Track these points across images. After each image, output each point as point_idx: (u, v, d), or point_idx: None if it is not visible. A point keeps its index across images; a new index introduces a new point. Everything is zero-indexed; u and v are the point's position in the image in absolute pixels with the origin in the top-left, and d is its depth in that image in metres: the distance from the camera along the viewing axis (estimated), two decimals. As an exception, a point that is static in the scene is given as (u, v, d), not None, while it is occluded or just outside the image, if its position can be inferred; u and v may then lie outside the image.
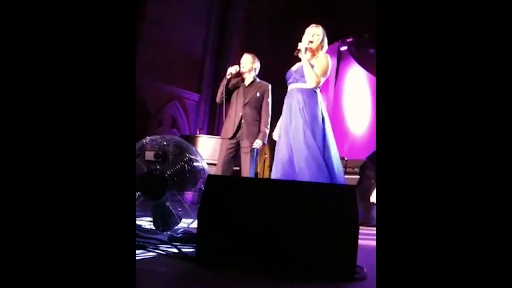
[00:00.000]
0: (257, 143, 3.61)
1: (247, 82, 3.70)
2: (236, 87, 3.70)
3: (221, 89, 3.67)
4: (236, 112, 3.62)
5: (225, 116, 3.71)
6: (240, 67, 3.68)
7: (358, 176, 5.17)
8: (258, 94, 3.65)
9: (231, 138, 3.60)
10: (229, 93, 3.67)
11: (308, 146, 2.83)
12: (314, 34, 3.08)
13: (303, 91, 2.97)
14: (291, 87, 3.06)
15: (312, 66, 3.00)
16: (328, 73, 3.07)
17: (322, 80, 3.02)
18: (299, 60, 3.05)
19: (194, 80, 7.87)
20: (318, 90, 3.02)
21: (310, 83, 2.96)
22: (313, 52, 3.10)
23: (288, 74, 3.11)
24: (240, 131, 3.60)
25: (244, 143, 3.59)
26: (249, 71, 3.68)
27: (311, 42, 3.05)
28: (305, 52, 3.01)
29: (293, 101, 2.98)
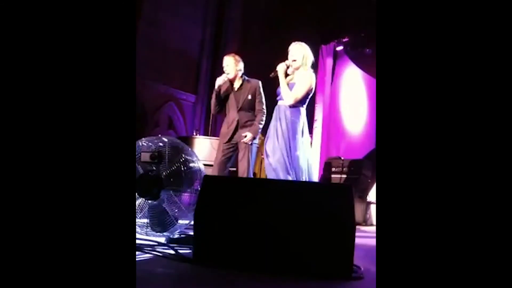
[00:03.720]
0: (247, 135, 3.55)
1: (236, 86, 3.68)
2: (227, 93, 3.68)
3: (213, 101, 3.69)
4: (231, 117, 3.64)
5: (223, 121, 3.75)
6: (226, 74, 3.61)
7: (348, 176, 5.20)
8: (249, 97, 3.64)
9: (228, 142, 3.61)
10: (222, 100, 3.67)
11: (278, 160, 3.06)
12: (294, 53, 3.17)
13: (286, 108, 3.13)
14: (278, 103, 3.21)
15: (289, 83, 3.15)
16: (311, 90, 3.19)
17: (302, 97, 3.12)
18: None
19: (191, 81, 7.85)
20: (302, 108, 3.16)
21: (287, 101, 3.12)
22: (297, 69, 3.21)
23: (278, 90, 3.23)
24: (236, 134, 3.60)
25: (241, 144, 3.60)
26: (236, 75, 3.64)
27: (294, 60, 3.17)
28: (284, 72, 3.16)
29: (274, 117, 3.19)
